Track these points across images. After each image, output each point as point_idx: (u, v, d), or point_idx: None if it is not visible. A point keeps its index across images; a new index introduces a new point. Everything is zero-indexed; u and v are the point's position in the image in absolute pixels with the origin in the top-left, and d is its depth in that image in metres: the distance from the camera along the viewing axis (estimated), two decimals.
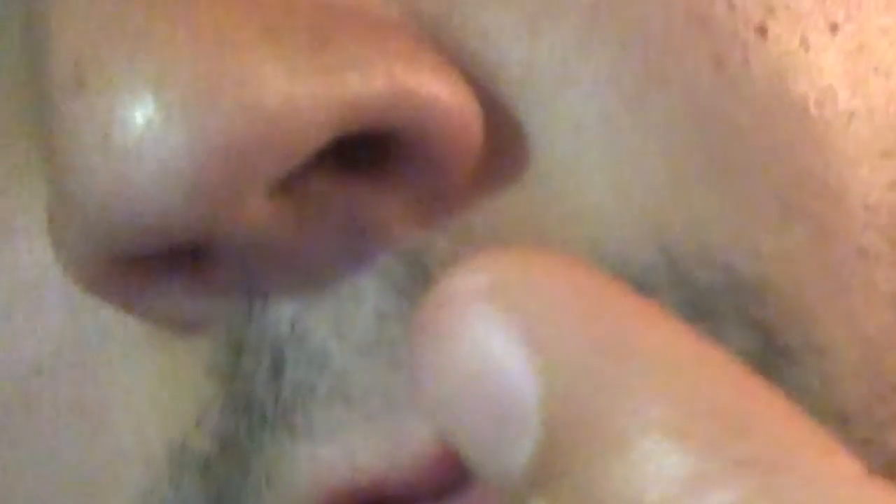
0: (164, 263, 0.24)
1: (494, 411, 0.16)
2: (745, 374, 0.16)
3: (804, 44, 0.26)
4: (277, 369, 0.25)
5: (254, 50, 0.22)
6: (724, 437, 0.15)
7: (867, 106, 0.27)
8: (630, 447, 0.15)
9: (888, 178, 0.27)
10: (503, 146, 0.25)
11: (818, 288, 0.26)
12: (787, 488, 0.15)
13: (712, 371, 0.16)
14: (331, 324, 0.25)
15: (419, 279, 0.24)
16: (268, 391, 0.25)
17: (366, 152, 0.24)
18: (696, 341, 0.16)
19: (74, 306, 0.26)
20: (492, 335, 0.16)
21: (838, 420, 0.26)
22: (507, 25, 0.25)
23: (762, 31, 0.26)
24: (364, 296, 0.24)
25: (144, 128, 0.22)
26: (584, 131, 0.25)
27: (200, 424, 0.26)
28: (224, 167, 0.22)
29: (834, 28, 0.27)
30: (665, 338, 0.16)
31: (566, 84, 0.25)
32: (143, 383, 0.26)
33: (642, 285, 0.24)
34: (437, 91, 0.24)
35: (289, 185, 0.23)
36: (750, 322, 0.26)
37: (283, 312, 0.25)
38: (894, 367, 0.27)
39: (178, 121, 0.22)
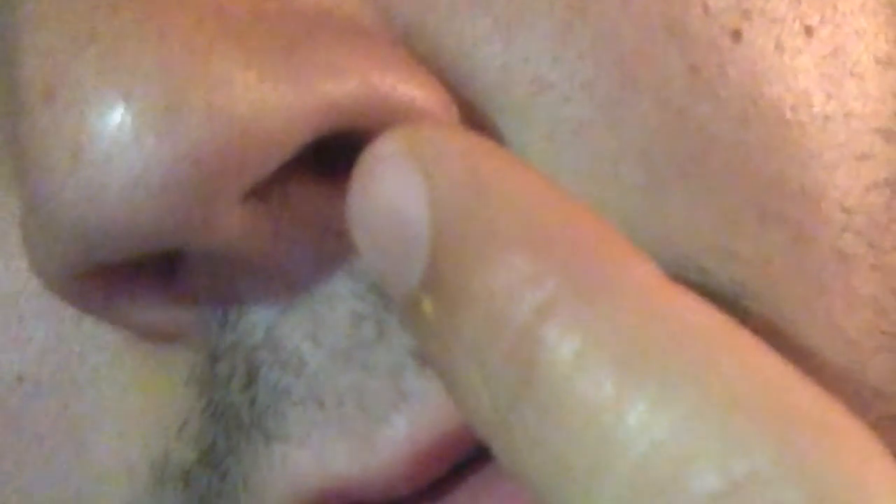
0: (138, 272, 0.24)
1: (399, 237, 0.21)
2: (575, 205, 0.21)
3: (779, 48, 0.26)
4: (252, 374, 0.25)
5: (223, 57, 0.22)
6: (548, 249, 0.20)
7: (843, 109, 0.27)
8: (487, 257, 0.20)
9: (866, 181, 0.27)
10: None
11: (798, 292, 0.26)
12: (590, 286, 0.20)
13: (550, 204, 0.21)
14: (306, 328, 0.25)
15: None
16: (243, 396, 0.25)
17: (341, 154, 0.24)
18: (546, 189, 0.21)
19: (57, 316, 0.26)
20: (399, 181, 0.21)
21: None
22: (482, 32, 0.25)
23: (737, 35, 0.26)
24: (339, 298, 0.25)
25: (114, 137, 0.22)
26: (559, 137, 0.25)
27: (182, 434, 0.26)
28: (195, 175, 0.22)
29: (809, 31, 0.27)
30: (521, 185, 0.21)
31: (540, 90, 0.25)
32: (125, 394, 0.26)
33: None
34: (411, 93, 0.24)
35: (263, 191, 0.23)
36: None
37: (257, 319, 0.25)
38: (877, 372, 0.27)
39: (149, 129, 0.22)
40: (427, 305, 0.21)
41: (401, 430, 0.24)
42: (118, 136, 0.22)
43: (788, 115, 0.26)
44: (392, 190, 0.21)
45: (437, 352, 0.21)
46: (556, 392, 0.19)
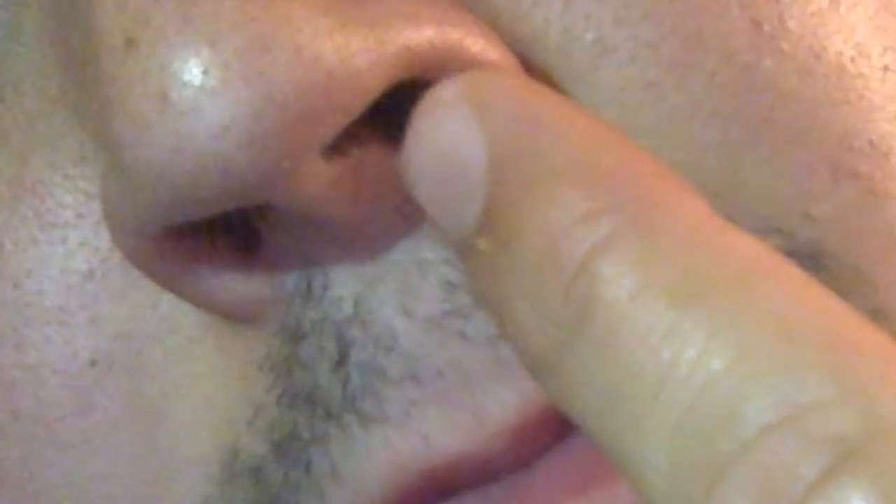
0: (218, 240, 0.24)
1: (456, 179, 0.21)
2: (629, 144, 0.21)
3: (834, 1, 0.26)
4: (343, 354, 0.24)
5: (306, 4, 0.22)
6: (603, 186, 0.20)
7: None
8: (543, 196, 0.21)
9: None
10: None
11: (873, 249, 0.26)
12: (647, 222, 0.20)
13: (604, 143, 0.21)
14: (397, 299, 0.24)
15: None
16: (333, 378, 0.24)
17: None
18: (600, 128, 0.21)
19: (133, 297, 0.26)
20: (455, 125, 0.21)
21: None
22: None
23: None
24: (428, 265, 0.24)
25: (201, 84, 0.21)
26: (627, 98, 0.25)
27: (253, 425, 0.25)
28: (284, 120, 0.22)
29: None
30: (576, 125, 0.21)
31: (605, 52, 0.25)
32: (198, 380, 0.26)
33: None
34: (480, 46, 0.24)
35: (343, 147, 0.23)
36: None
37: (344, 292, 0.24)
38: None
39: (236, 75, 0.21)
40: (483, 246, 0.21)
41: (506, 401, 0.24)
42: (205, 82, 0.21)
43: (850, 67, 0.26)
44: (448, 133, 0.21)
45: (492, 293, 0.21)
46: (613, 327, 0.20)
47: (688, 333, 0.19)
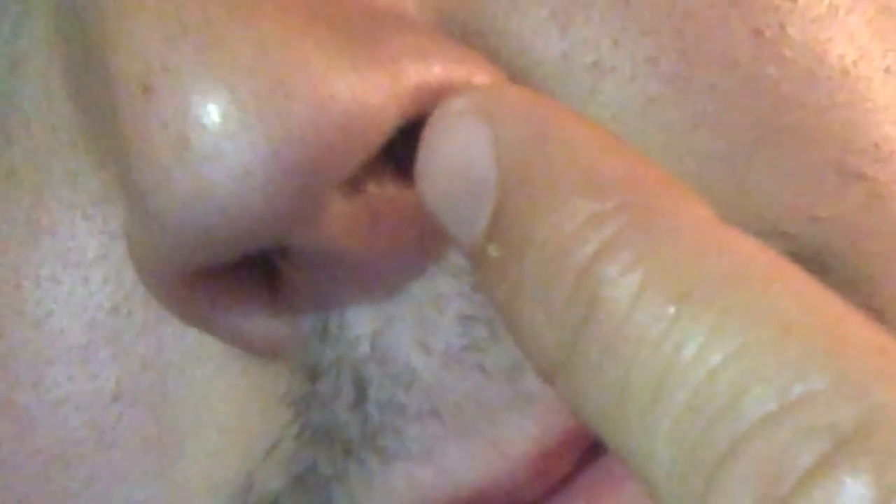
0: (239, 279, 0.24)
1: (466, 187, 0.22)
2: (632, 151, 0.22)
3: (832, 7, 0.26)
4: (361, 392, 0.24)
5: (318, 43, 0.22)
6: (607, 192, 0.21)
7: None
8: (550, 202, 0.21)
9: None
10: None
11: (877, 251, 0.26)
12: (648, 225, 0.21)
13: (609, 151, 0.22)
14: (414, 335, 0.24)
15: None
16: (352, 416, 0.24)
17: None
18: (604, 137, 0.22)
19: (159, 329, 0.26)
20: (466, 135, 0.22)
21: None
22: (538, 23, 0.25)
23: None
24: (445, 300, 0.24)
25: (222, 128, 0.21)
26: (627, 115, 0.25)
27: (270, 458, 0.25)
28: (305, 160, 0.22)
29: None
30: (581, 134, 0.22)
31: (604, 73, 0.25)
32: (219, 411, 0.26)
33: None
34: (486, 81, 0.24)
35: (362, 187, 0.23)
36: None
37: (361, 330, 0.24)
38: None
39: (256, 116, 0.21)
40: (493, 252, 0.22)
41: (526, 432, 0.24)
42: (225, 126, 0.21)
43: (852, 70, 0.26)
44: (460, 143, 0.22)
45: (502, 297, 0.22)
46: (616, 326, 0.20)
47: (688, 329, 0.20)
